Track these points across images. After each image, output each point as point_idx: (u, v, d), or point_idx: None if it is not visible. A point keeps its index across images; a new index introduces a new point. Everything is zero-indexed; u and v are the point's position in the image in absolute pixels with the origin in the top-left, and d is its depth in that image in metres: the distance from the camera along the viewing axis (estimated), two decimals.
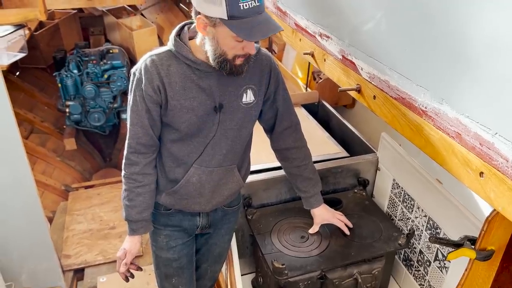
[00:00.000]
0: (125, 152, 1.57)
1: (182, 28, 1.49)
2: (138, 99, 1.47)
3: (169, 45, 1.46)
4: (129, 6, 4.92)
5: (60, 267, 2.76)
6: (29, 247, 2.55)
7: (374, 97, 1.32)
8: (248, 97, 1.54)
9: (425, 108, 1.10)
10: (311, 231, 1.95)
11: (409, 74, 1.15)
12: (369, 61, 1.32)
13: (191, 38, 1.47)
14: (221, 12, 1.25)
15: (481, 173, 0.94)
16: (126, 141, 1.56)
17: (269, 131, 1.76)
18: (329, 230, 1.97)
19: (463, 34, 0.96)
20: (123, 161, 1.58)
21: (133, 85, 1.48)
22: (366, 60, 1.34)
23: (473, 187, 0.98)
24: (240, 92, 1.52)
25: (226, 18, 1.26)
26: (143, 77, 1.44)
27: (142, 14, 5.06)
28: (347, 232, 1.93)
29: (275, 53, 3.63)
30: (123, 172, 1.59)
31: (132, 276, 1.72)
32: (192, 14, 1.36)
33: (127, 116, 1.53)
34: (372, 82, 1.33)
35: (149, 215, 1.65)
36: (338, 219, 1.93)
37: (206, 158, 1.57)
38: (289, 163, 1.80)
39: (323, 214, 1.90)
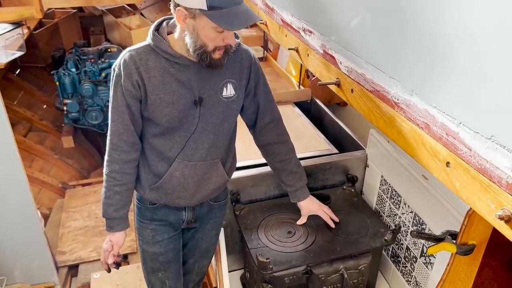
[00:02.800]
0: (107, 149, 1.57)
1: (160, 23, 1.51)
2: (119, 95, 1.48)
3: (148, 39, 1.47)
4: (128, 5, 4.96)
5: (53, 263, 2.78)
6: (22, 243, 2.57)
7: (352, 90, 1.33)
8: (229, 91, 1.55)
9: (397, 100, 1.11)
10: (298, 222, 1.96)
11: (383, 67, 1.16)
12: (348, 55, 1.33)
13: (169, 33, 1.48)
14: (200, 2, 1.26)
15: (448, 163, 0.95)
16: (108, 138, 1.56)
17: (252, 126, 1.77)
18: (315, 225, 1.98)
19: (432, 26, 0.97)
20: (105, 157, 1.59)
21: (113, 81, 1.49)
22: (344, 54, 1.35)
23: (441, 178, 0.98)
24: (220, 86, 1.52)
25: (206, 8, 1.27)
26: (122, 73, 1.45)
27: (141, 14, 5.10)
28: (332, 225, 1.94)
29: (270, 51, 3.64)
30: (104, 169, 1.60)
31: (117, 267, 1.74)
32: (171, 7, 1.37)
33: (109, 112, 1.54)
34: (350, 76, 1.34)
35: (125, 213, 1.67)
36: (324, 212, 1.94)
37: (188, 152, 1.58)
38: (273, 158, 1.81)
39: (309, 206, 1.92)
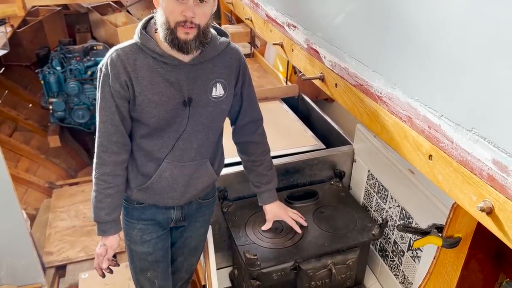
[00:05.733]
0: (96, 151, 1.53)
1: (148, 21, 1.47)
2: (107, 96, 1.44)
3: (135, 38, 1.43)
4: (114, 2, 4.91)
5: (40, 264, 2.74)
6: (8, 244, 2.53)
7: (336, 85, 1.32)
8: (218, 91, 1.52)
9: (380, 93, 1.10)
10: (263, 228, 1.93)
11: (366, 61, 1.15)
12: (331, 49, 1.33)
13: (157, 31, 1.42)
14: None
15: (430, 156, 0.95)
16: (97, 140, 1.52)
17: (232, 123, 1.76)
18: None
19: (413, 20, 0.97)
20: (94, 160, 1.55)
21: (100, 82, 1.45)
22: (328, 48, 1.35)
23: (424, 171, 0.98)
24: (210, 86, 1.50)
25: None
26: (110, 73, 1.41)
27: (127, 11, 5.05)
28: (298, 231, 1.90)
29: (258, 47, 3.63)
30: (94, 173, 1.56)
31: (111, 272, 1.71)
32: None
33: (96, 113, 1.50)
34: (334, 70, 1.33)
35: (118, 216, 1.63)
36: (290, 217, 1.91)
37: (177, 152, 1.56)
38: (247, 157, 1.80)
39: (274, 211, 1.89)
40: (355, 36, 1.19)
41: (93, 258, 2.99)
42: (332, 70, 1.34)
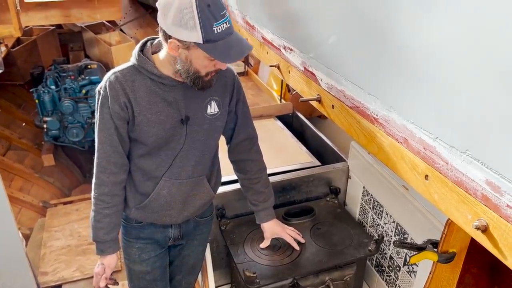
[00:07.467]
0: (94, 172, 1.56)
1: (145, 43, 1.52)
2: (106, 117, 1.47)
3: (132, 60, 1.48)
4: (108, 21, 4.96)
5: (36, 284, 2.72)
6: (4, 264, 2.51)
7: (333, 106, 1.37)
8: (213, 108, 1.57)
9: (376, 115, 1.15)
10: (262, 245, 1.96)
11: (362, 84, 1.20)
12: (328, 72, 1.38)
13: (154, 53, 1.49)
14: (196, 37, 1.28)
15: (426, 176, 0.99)
16: (95, 161, 1.55)
17: (227, 142, 1.80)
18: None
19: (406, 45, 1.02)
20: (93, 181, 1.58)
21: (99, 104, 1.48)
22: (325, 71, 1.40)
23: (420, 190, 1.02)
24: (205, 104, 1.55)
25: (202, 42, 1.29)
26: (109, 95, 1.44)
27: (121, 30, 5.10)
28: (296, 247, 1.94)
29: (251, 66, 3.69)
30: (92, 193, 1.58)
31: None
32: (160, 35, 1.37)
33: (95, 135, 1.53)
34: (331, 92, 1.38)
35: (116, 235, 1.65)
36: (288, 234, 1.95)
37: (175, 170, 1.59)
38: (243, 175, 1.83)
39: (272, 228, 1.92)
40: (351, 60, 1.24)
41: (89, 278, 2.98)
42: (329, 92, 1.39)
